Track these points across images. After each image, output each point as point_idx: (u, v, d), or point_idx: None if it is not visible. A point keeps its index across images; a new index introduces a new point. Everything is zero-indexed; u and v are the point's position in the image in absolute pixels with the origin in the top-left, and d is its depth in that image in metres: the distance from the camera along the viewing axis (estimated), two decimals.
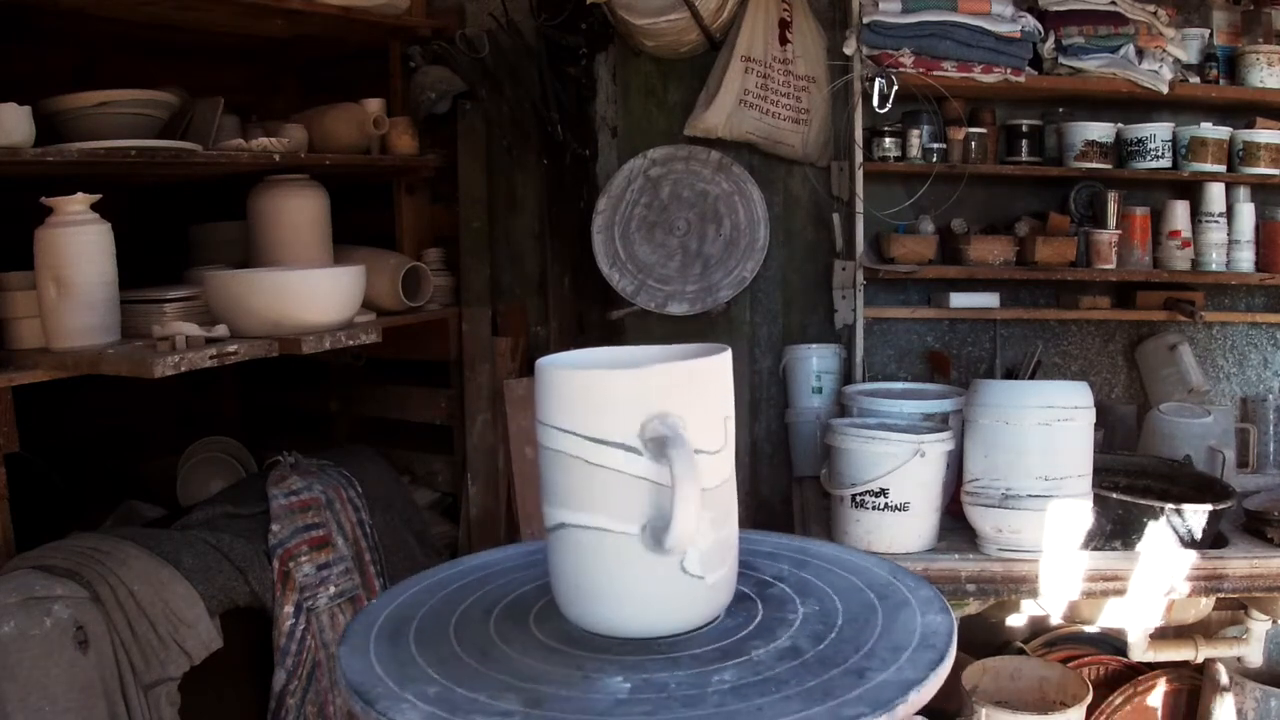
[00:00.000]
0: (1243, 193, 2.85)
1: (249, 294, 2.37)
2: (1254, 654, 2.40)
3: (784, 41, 2.92)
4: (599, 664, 1.08)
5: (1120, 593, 2.13)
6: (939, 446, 2.15)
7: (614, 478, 1.07)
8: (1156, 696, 2.61)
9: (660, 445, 1.04)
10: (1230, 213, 2.82)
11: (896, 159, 2.81)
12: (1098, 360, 3.04)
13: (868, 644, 1.11)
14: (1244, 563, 2.13)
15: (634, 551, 1.09)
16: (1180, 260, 2.81)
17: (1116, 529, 2.18)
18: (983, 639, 2.86)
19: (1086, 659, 2.72)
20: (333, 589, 2.49)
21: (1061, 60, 2.73)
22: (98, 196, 2.24)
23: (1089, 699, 2.43)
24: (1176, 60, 2.79)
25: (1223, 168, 2.79)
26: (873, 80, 2.65)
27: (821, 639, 1.13)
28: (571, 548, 1.12)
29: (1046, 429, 2.06)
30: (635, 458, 1.06)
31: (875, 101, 2.65)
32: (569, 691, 1.02)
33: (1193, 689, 2.60)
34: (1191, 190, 2.85)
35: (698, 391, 1.11)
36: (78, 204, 2.21)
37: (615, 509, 1.08)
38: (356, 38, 3.11)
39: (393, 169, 3.16)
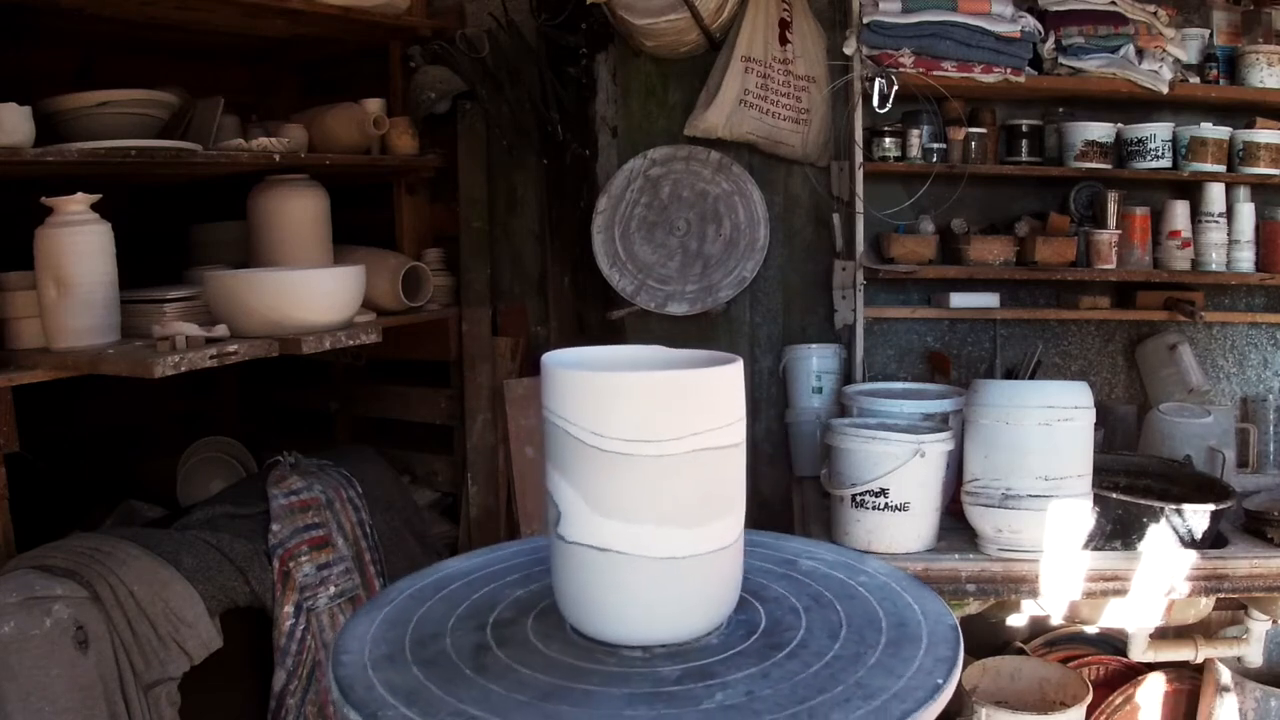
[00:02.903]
0: (1243, 193, 2.85)
1: (249, 294, 2.37)
2: (1254, 654, 2.40)
3: (784, 41, 2.92)
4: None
5: (1121, 593, 2.13)
6: (939, 446, 2.15)
7: None
8: (1156, 696, 2.60)
9: None
10: (1230, 213, 2.82)
11: (896, 159, 2.80)
12: (1098, 360, 3.04)
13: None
14: (1244, 563, 2.13)
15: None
16: (1180, 260, 2.81)
17: (1117, 529, 2.18)
18: (983, 639, 2.86)
19: (1086, 659, 2.72)
20: (333, 589, 2.49)
21: (1061, 60, 2.73)
22: (98, 196, 2.24)
23: (1089, 699, 2.43)
24: (1176, 60, 2.78)
25: (1223, 168, 2.79)
26: (873, 80, 2.65)
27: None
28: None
29: (1047, 429, 2.06)
30: None
31: (875, 101, 2.64)
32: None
33: (1193, 689, 2.60)
34: (1191, 190, 2.84)
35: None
36: (78, 204, 2.21)
37: None
38: (356, 38, 3.11)
39: (393, 169, 3.16)
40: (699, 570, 1.12)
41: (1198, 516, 2.14)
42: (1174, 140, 2.79)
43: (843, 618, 1.20)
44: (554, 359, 1.17)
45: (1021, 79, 2.70)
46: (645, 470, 1.07)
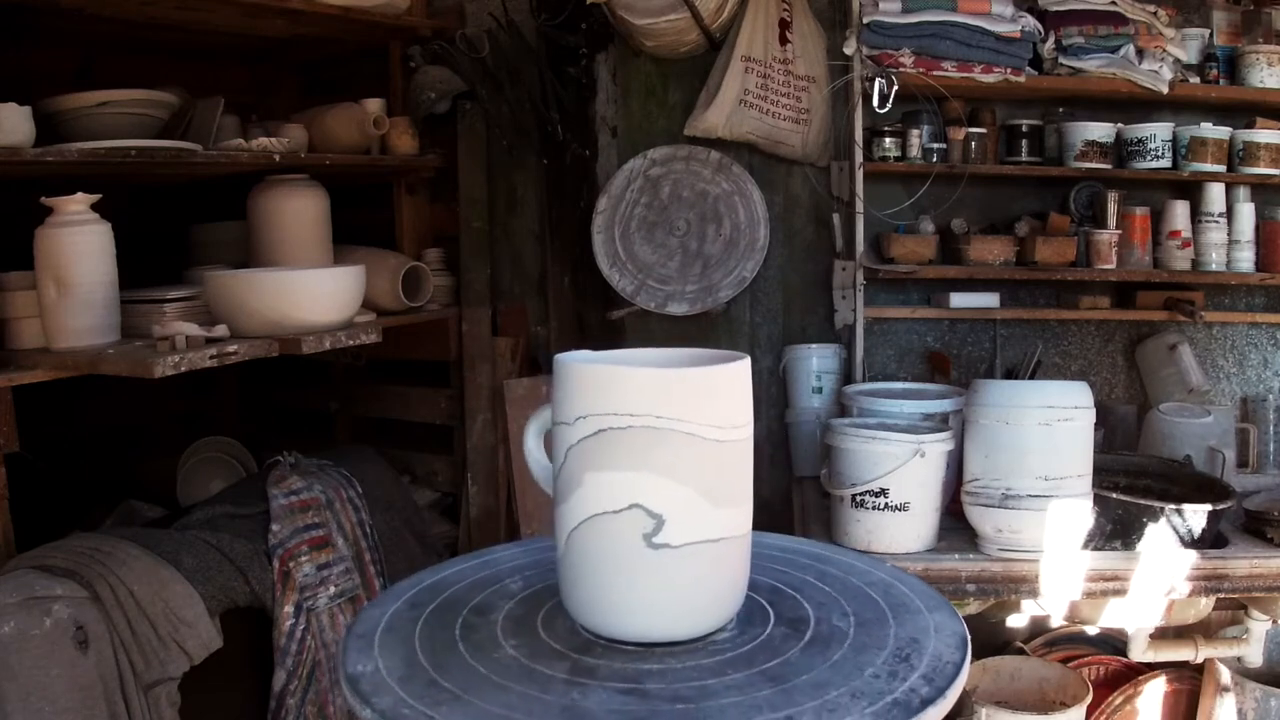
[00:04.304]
0: (1243, 193, 2.85)
1: (249, 294, 2.37)
2: (1254, 654, 2.40)
3: (784, 41, 2.92)
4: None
5: (1120, 593, 2.13)
6: (939, 446, 2.15)
7: None
8: (1156, 696, 2.61)
9: None
10: (1230, 213, 2.82)
11: (896, 159, 2.80)
12: (1098, 360, 3.04)
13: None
14: (1244, 563, 2.13)
15: None
16: (1180, 260, 2.81)
17: (1117, 529, 2.18)
18: (983, 639, 2.85)
19: (1086, 659, 2.72)
20: (333, 589, 2.49)
21: (1061, 60, 2.73)
22: (98, 196, 2.24)
23: (1089, 699, 2.43)
24: (1176, 60, 2.78)
25: (1223, 168, 2.79)
26: (873, 80, 2.65)
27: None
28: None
29: (1047, 429, 2.06)
30: None
31: (875, 101, 2.64)
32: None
33: (1193, 689, 2.60)
34: (1191, 190, 2.84)
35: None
36: (78, 204, 2.21)
37: None
38: (356, 38, 3.11)
39: (393, 169, 3.16)
40: (748, 540, 1.21)
41: (1197, 516, 2.14)
42: (1174, 140, 2.79)
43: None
44: (619, 361, 1.20)
45: (1021, 79, 2.70)
46: (744, 454, 1.15)
